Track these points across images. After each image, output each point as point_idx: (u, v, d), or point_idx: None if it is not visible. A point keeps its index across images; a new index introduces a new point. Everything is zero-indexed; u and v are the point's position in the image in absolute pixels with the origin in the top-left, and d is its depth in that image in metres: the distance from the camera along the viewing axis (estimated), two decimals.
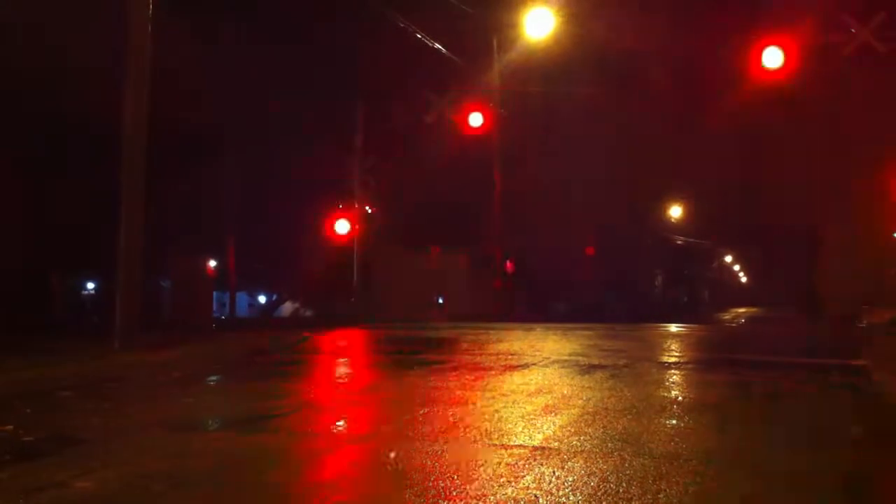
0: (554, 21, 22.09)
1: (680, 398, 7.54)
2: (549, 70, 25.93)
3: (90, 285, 35.98)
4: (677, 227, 52.79)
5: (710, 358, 11.51)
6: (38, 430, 5.95)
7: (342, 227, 24.40)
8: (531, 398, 7.28)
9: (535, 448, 5.30)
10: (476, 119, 24.39)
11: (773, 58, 19.10)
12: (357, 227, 25.16)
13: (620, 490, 4.35)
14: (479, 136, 25.16)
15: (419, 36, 22.73)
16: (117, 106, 12.49)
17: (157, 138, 13.09)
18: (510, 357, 10.74)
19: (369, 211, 25.92)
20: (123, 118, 12.45)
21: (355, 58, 27.51)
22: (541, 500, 4.19)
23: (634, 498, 4.23)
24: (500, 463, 4.91)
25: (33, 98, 20.11)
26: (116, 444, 5.68)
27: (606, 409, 6.73)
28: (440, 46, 23.58)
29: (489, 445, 5.38)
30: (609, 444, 5.39)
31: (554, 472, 4.68)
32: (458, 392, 7.74)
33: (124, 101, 12.48)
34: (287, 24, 27.08)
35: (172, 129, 19.25)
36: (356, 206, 25.28)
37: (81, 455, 5.29)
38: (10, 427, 6.00)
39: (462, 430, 5.89)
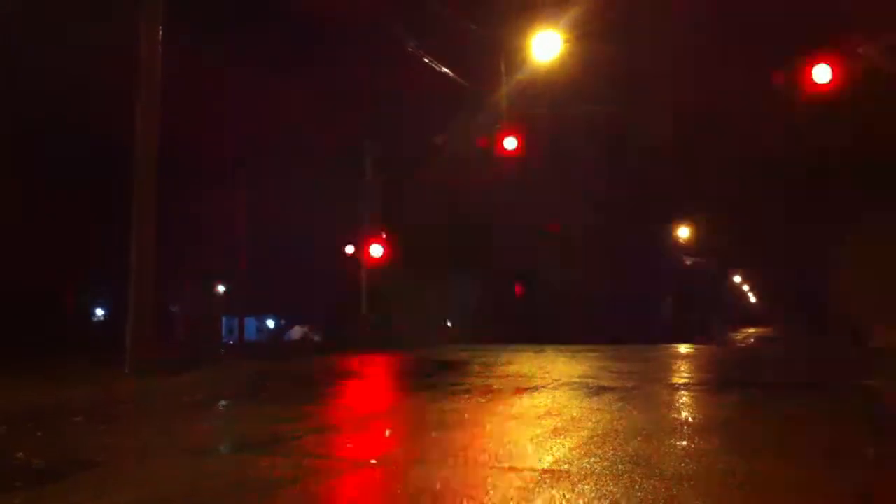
0: (562, 43, 22.15)
1: (690, 419, 7.52)
2: (559, 91, 25.96)
3: (100, 312, 36.11)
4: (686, 248, 52.70)
5: (720, 379, 11.49)
6: (50, 455, 5.98)
7: (377, 250, 24.18)
8: (541, 420, 7.28)
9: (544, 471, 5.29)
10: (511, 143, 24.04)
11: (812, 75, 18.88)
12: (366, 250, 25.18)
13: None
14: (511, 158, 24.85)
15: (426, 61, 22.85)
16: (131, 131, 12.64)
17: (169, 163, 13.19)
18: (520, 379, 10.73)
19: (384, 236, 25.90)
20: (135, 142, 12.59)
21: (368, 81, 27.64)
22: None
23: None
24: (510, 486, 4.91)
25: (49, 120, 20.28)
26: (129, 467, 5.70)
27: (616, 431, 6.73)
28: (447, 70, 23.69)
29: (499, 468, 5.38)
30: (619, 466, 5.38)
31: (564, 495, 4.68)
32: (468, 415, 7.74)
33: (136, 125, 12.62)
34: (300, 49, 27.24)
35: (185, 153, 19.37)
36: (366, 230, 25.30)
37: (94, 479, 5.31)
38: (22, 452, 6.03)
39: (472, 453, 5.90)
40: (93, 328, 32.15)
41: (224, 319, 35.88)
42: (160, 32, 12.86)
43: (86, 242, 22.01)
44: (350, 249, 24.93)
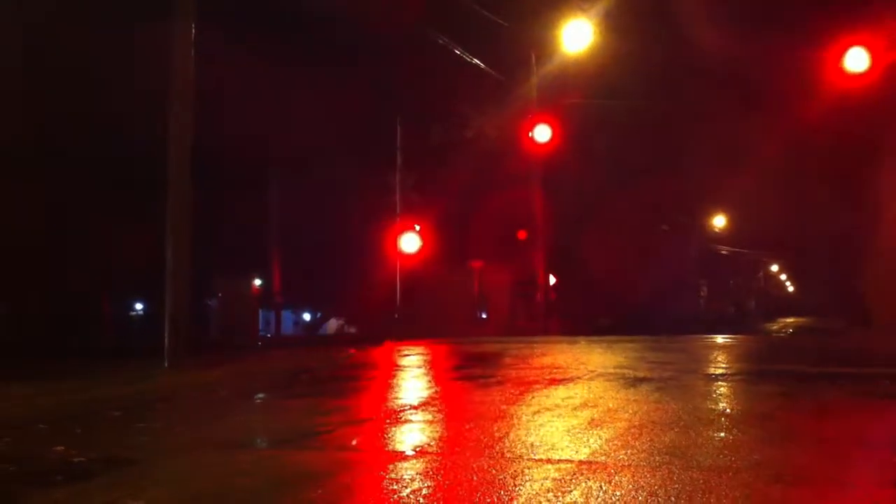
0: (593, 33, 22.05)
1: (728, 410, 7.45)
2: (591, 82, 25.85)
3: (139, 306, 36.49)
4: (722, 237, 52.30)
5: (758, 369, 11.37)
6: (88, 451, 6.03)
7: (410, 244, 24.05)
8: (576, 412, 7.25)
9: (581, 462, 5.26)
10: (543, 133, 23.57)
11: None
12: (399, 243, 25.20)
13: None
14: (545, 152, 24.48)
15: (458, 52, 22.84)
16: (166, 130, 12.78)
17: (204, 160, 13.31)
18: (554, 371, 10.69)
19: (417, 228, 25.91)
20: (168, 140, 12.71)
21: (396, 76, 27.70)
22: None
23: None
24: (546, 478, 4.88)
25: (79, 124, 20.49)
26: (166, 463, 5.74)
27: (653, 422, 6.67)
28: (479, 62, 23.67)
29: (535, 460, 5.36)
30: (657, 458, 5.33)
31: (601, 487, 4.65)
32: (503, 406, 7.72)
33: (169, 122, 12.74)
34: (330, 48, 27.35)
35: (219, 151, 19.50)
36: (400, 223, 25.33)
37: (132, 475, 5.36)
38: (62, 448, 6.09)
39: (508, 444, 5.88)
40: (131, 324, 32.52)
41: (261, 313, 36.14)
42: (193, 31, 12.95)
43: (122, 239, 22.23)
44: (384, 242, 24.97)
